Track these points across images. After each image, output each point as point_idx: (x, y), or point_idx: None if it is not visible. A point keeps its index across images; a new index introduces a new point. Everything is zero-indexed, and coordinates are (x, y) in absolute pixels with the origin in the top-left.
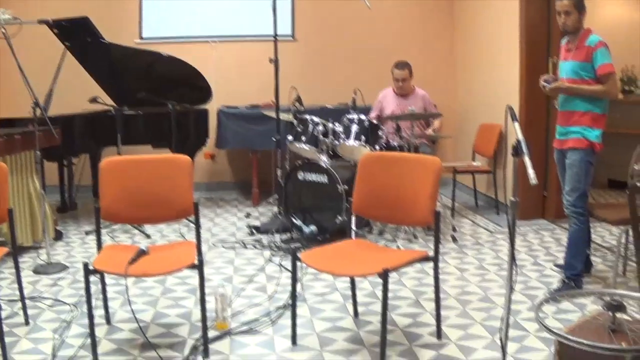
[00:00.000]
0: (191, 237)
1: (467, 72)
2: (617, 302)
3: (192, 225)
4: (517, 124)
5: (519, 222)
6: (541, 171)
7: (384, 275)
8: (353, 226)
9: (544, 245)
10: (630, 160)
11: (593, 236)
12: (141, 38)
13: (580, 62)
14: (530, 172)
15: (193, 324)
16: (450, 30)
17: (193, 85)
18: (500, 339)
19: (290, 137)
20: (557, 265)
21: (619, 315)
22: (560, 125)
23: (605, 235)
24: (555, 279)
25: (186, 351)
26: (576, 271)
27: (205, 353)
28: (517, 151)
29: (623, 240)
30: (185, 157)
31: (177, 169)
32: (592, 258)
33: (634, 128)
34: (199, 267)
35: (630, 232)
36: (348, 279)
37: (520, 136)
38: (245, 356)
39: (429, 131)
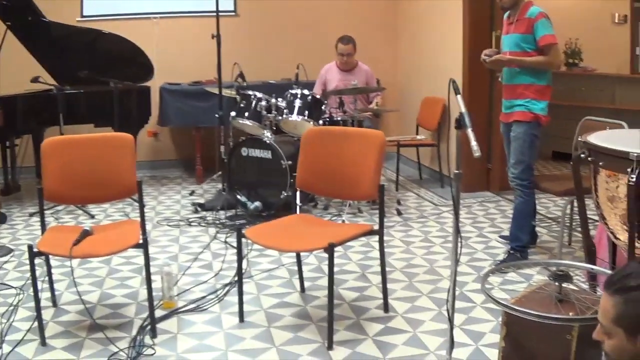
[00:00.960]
0: (135, 216)
1: (410, 46)
2: (563, 272)
3: (136, 204)
4: (460, 97)
5: (463, 194)
6: (485, 144)
7: (330, 249)
8: (298, 201)
9: (489, 217)
10: (574, 132)
11: (538, 207)
12: (82, 16)
13: (521, 34)
14: (474, 144)
15: (140, 303)
16: (394, 4)
17: (135, 62)
18: (447, 311)
19: (233, 113)
20: (502, 237)
21: (565, 285)
22: (506, 99)
23: (550, 206)
24: (501, 250)
25: (134, 331)
26: (522, 243)
27: (153, 333)
28: (460, 124)
29: (568, 212)
30: (127, 136)
31: (120, 148)
32: (538, 229)
33: (577, 100)
34: (144, 246)
35: (575, 203)
36: (294, 254)
37: (464, 109)
38: (192, 334)
39: (372, 105)
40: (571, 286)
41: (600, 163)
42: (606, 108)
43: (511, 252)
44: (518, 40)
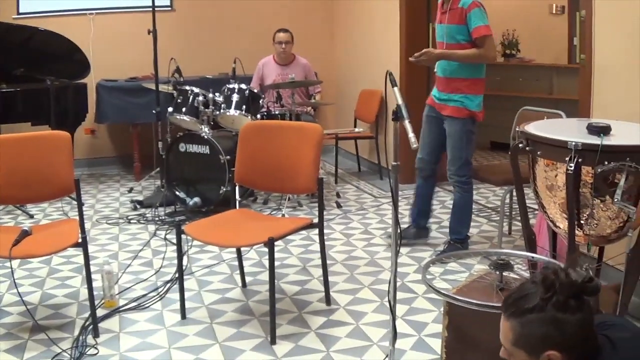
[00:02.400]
0: (74, 214)
1: (348, 39)
2: (503, 261)
3: (75, 202)
4: (396, 89)
5: (402, 186)
6: None
7: (270, 244)
8: (237, 196)
9: None
10: (512, 122)
11: (478, 197)
12: (19, 13)
13: (454, 25)
14: (411, 136)
15: (81, 303)
16: None
17: (71, 59)
18: (389, 302)
19: (170, 109)
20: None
21: (506, 274)
22: (440, 91)
23: (490, 196)
24: (441, 240)
25: (76, 331)
26: (461, 236)
27: (95, 332)
28: (397, 116)
29: (507, 201)
30: (64, 134)
31: (56, 146)
32: (477, 219)
33: (515, 91)
34: (83, 245)
35: (514, 193)
36: (234, 249)
37: (400, 101)
38: (135, 333)
39: (313, 100)
40: (512, 275)
41: (539, 152)
42: (544, 98)
43: (451, 242)
44: (451, 31)
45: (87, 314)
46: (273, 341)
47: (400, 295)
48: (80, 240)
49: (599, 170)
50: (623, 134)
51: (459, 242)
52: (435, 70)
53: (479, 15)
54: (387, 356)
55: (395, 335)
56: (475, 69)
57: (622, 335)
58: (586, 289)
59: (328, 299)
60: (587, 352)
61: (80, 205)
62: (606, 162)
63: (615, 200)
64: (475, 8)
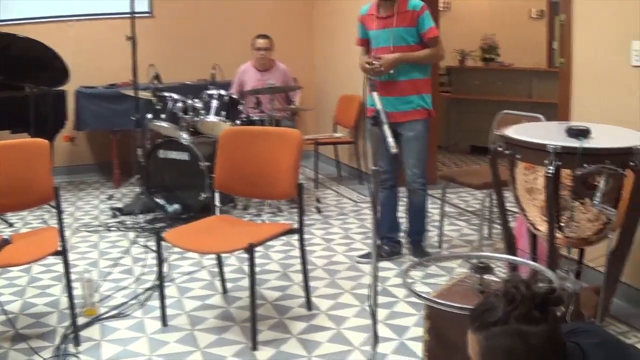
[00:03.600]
0: (54, 222)
1: (327, 44)
2: (484, 264)
3: (55, 210)
4: (375, 94)
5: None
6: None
7: (250, 249)
8: (217, 202)
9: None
10: (491, 126)
11: (458, 201)
12: None
13: (405, 27)
14: (390, 140)
15: (62, 312)
16: (309, 3)
17: (50, 66)
18: (370, 307)
19: (149, 116)
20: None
21: (486, 276)
22: (394, 96)
23: (470, 200)
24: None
25: (57, 340)
26: (424, 235)
27: (76, 341)
28: (376, 121)
29: (487, 204)
30: (43, 141)
31: (36, 154)
32: (457, 222)
33: (494, 95)
34: (63, 253)
35: (494, 196)
36: (214, 256)
37: (379, 106)
38: (116, 341)
39: (293, 105)
40: (492, 277)
41: (518, 156)
42: (523, 102)
43: (418, 244)
44: (403, 33)
45: (67, 323)
46: (254, 347)
47: (381, 299)
48: (60, 249)
49: (578, 173)
50: (602, 137)
51: (422, 241)
52: (380, 77)
53: (429, 17)
54: None
55: (376, 339)
56: (425, 68)
57: (592, 342)
58: (549, 300)
59: (309, 304)
60: None
61: (59, 213)
62: (586, 165)
63: (595, 202)
64: (426, 11)
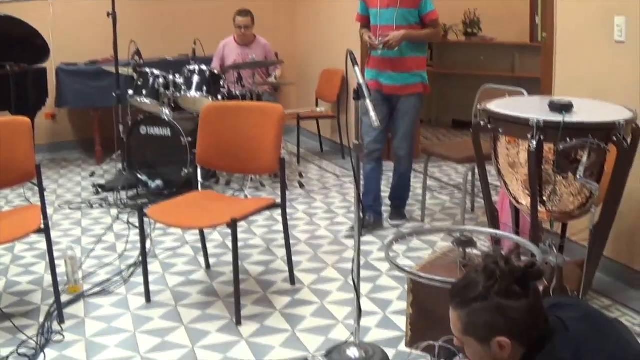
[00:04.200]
0: (36, 200)
1: (308, 19)
2: (466, 237)
3: (37, 188)
4: (357, 69)
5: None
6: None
7: (233, 224)
8: (199, 178)
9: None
10: (473, 100)
11: (441, 175)
12: None
13: (408, 8)
14: (372, 115)
15: (46, 289)
16: None
17: (31, 44)
18: (353, 281)
19: (130, 92)
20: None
21: (469, 250)
22: (395, 71)
23: (452, 174)
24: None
25: (41, 318)
26: (407, 200)
27: (61, 318)
28: (358, 95)
29: (470, 178)
30: (24, 119)
31: (17, 132)
32: (440, 196)
33: (477, 69)
34: (46, 231)
35: (477, 170)
36: (197, 231)
37: (361, 80)
38: (100, 318)
39: (271, 79)
40: (475, 251)
41: (500, 130)
42: (506, 76)
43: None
44: (406, 14)
45: (51, 300)
46: (238, 322)
47: (364, 273)
48: (42, 227)
49: (561, 147)
50: (585, 112)
51: (403, 207)
52: (377, 51)
53: (431, 0)
54: (352, 334)
55: (360, 313)
56: (423, 47)
57: (574, 316)
58: (529, 275)
59: (292, 279)
60: (538, 335)
61: (41, 191)
62: (568, 139)
63: (578, 177)
64: None
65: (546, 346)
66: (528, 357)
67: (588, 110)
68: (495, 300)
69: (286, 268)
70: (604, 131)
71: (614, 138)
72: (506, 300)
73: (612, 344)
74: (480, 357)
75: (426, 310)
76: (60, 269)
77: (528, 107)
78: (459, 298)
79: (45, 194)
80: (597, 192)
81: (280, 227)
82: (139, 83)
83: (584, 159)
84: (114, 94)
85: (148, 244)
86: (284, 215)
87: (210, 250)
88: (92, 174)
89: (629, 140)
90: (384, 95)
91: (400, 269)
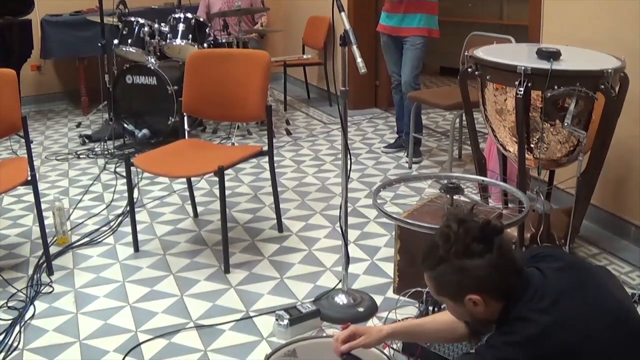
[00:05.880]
0: (23, 152)
1: None
2: (454, 184)
3: (24, 140)
4: (344, 15)
5: (352, 112)
6: (372, 61)
7: (220, 172)
8: (186, 126)
9: (378, 133)
10: (461, 47)
11: (428, 122)
12: None
13: None
14: (359, 61)
15: (34, 242)
16: None
17: None
18: (341, 228)
19: (116, 41)
20: (387, 146)
21: (456, 197)
22: (402, 13)
23: (440, 120)
24: (392, 165)
25: (30, 270)
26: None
27: (50, 270)
28: (345, 41)
29: (457, 125)
30: (9, 71)
31: (2, 84)
32: (427, 143)
33: (465, 16)
34: (33, 183)
35: (464, 117)
36: (184, 180)
37: (348, 26)
38: (89, 268)
39: (257, 26)
40: (462, 198)
41: (488, 77)
42: (494, 24)
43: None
44: None
45: (40, 252)
46: (227, 270)
47: (352, 220)
48: (29, 178)
49: (548, 94)
50: (573, 59)
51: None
52: None
53: None
54: (340, 281)
55: (347, 260)
56: None
57: (554, 265)
58: (486, 232)
59: (280, 226)
60: (511, 288)
61: (28, 142)
62: (556, 87)
63: (565, 124)
64: None
65: (525, 296)
66: (507, 310)
67: (576, 59)
68: (456, 262)
69: (274, 215)
70: (591, 79)
71: (602, 86)
72: (468, 259)
73: (593, 294)
74: (459, 314)
75: (414, 257)
76: (48, 220)
77: (516, 54)
78: (425, 263)
79: (32, 145)
80: (585, 140)
81: (267, 174)
82: (124, 32)
83: (572, 106)
84: (99, 44)
85: (135, 194)
86: (271, 162)
87: (197, 199)
88: (79, 125)
89: (616, 89)
90: (393, 38)
91: (388, 215)
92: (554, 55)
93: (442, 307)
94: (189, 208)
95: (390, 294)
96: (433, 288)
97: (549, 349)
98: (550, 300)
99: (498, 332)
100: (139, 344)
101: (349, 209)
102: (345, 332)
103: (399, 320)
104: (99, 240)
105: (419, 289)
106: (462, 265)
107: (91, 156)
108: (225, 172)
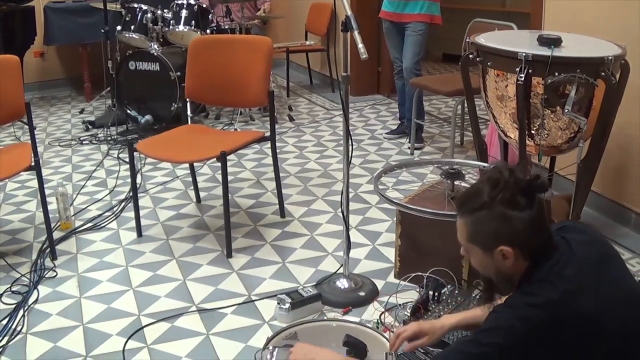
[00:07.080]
0: (26, 138)
1: None
2: (455, 170)
3: (27, 127)
4: (345, 1)
5: (355, 98)
6: (374, 47)
7: (222, 158)
8: (189, 112)
9: (381, 120)
10: (463, 34)
11: (430, 109)
12: None
13: None
14: (361, 46)
15: (37, 227)
16: None
17: None
18: (342, 213)
19: (119, 28)
20: (390, 132)
21: (457, 183)
22: (404, 0)
23: (442, 107)
24: (394, 151)
25: (34, 255)
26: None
27: (53, 255)
28: (346, 27)
29: (459, 112)
30: (12, 57)
31: (6, 71)
32: (429, 129)
33: (467, 3)
34: (37, 168)
35: (466, 104)
36: (187, 165)
37: (349, 12)
38: (92, 253)
39: (260, 12)
40: (463, 184)
41: (489, 63)
42: (496, 11)
43: (405, 123)
44: None
45: (44, 238)
46: (229, 254)
47: (353, 205)
48: (33, 164)
49: (549, 81)
50: (574, 46)
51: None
52: None
53: None
54: (341, 266)
55: (349, 245)
56: None
57: (580, 238)
58: (533, 187)
59: (282, 212)
60: (540, 249)
61: (31, 128)
62: (557, 74)
63: (566, 111)
64: None
65: (550, 261)
66: (531, 271)
67: (577, 46)
68: (500, 209)
69: (276, 201)
70: (592, 66)
71: (603, 73)
72: (510, 209)
73: (614, 270)
74: (484, 266)
75: (415, 242)
76: (52, 206)
77: (517, 41)
78: (465, 206)
79: (35, 131)
80: (585, 127)
81: (269, 160)
82: (127, 18)
83: (572, 93)
84: (102, 30)
85: (138, 179)
86: (274, 148)
87: (200, 184)
88: (82, 111)
89: (617, 76)
90: (395, 24)
91: (389, 200)
92: (555, 42)
93: (443, 292)
94: (192, 193)
95: (391, 278)
96: (466, 234)
97: (568, 313)
98: (574, 268)
99: (519, 292)
100: (142, 328)
101: (351, 195)
102: (409, 331)
103: (401, 305)
104: (102, 225)
105: (420, 273)
106: (504, 214)
107: (94, 142)
108: (228, 157)
